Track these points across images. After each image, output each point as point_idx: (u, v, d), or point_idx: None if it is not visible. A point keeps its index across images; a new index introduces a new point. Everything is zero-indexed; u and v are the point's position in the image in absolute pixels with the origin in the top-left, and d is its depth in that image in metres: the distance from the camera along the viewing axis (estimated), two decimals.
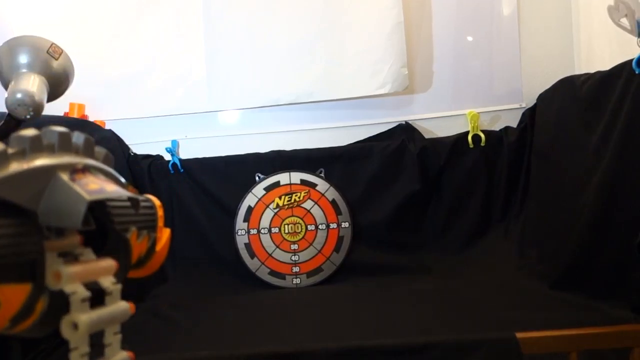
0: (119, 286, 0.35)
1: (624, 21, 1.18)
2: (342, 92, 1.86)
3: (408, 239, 1.81)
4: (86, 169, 0.35)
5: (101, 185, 0.34)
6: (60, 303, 0.31)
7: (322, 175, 1.83)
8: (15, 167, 0.30)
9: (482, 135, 1.80)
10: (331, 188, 1.82)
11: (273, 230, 1.82)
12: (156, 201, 0.45)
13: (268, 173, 1.84)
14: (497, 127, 1.85)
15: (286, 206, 1.83)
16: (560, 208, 1.46)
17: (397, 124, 1.90)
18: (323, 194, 1.82)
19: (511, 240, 1.71)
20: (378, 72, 1.82)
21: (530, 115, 1.77)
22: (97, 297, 0.33)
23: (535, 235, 1.61)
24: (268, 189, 1.83)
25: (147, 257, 0.43)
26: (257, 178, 1.84)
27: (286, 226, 1.82)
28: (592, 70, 1.43)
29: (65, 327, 0.31)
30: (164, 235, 0.45)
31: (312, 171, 1.84)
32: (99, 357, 0.34)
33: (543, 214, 1.60)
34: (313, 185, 1.83)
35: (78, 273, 0.32)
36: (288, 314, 1.45)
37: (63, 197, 0.31)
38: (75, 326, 0.31)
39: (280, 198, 1.83)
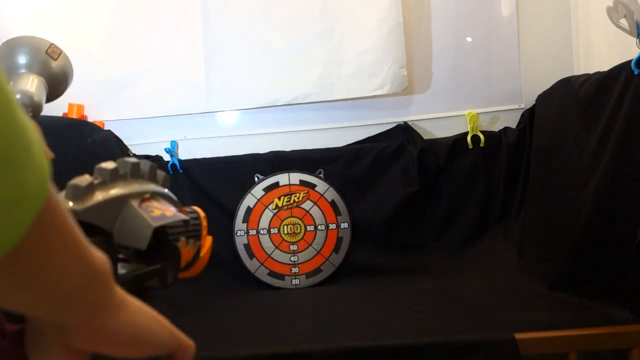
0: None
1: (623, 22, 1.18)
2: (341, 93, 1.86)
3: (407, 239, 1.81)
4: (152, 196, 0.42)
5: (163, 211, 0.41)
6: None
7: (321, 176, 1.83)
8: (98, 196, 0.37)
9: (481, 136, 1.80)
10: (330, 189, 1.82)
11: (272, 231, 1.82)
12: (201, 213, 0.54)
13: (267, 174, 1.84)
14: (496, 127, 1.85)
15: (285, 207, 1.82)
16: (559, 208, 1.46)
17: (396, 124, 1.90)
18: (322, 195, 1.82)
19: (510, 241, 1.71)
20: (377, 73, 1.82)
21: (529, 116, 1.77)
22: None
23: (534, 235, 1.61)
24: (267, 189, 1.83)
25: (193, 262, 0.50)
26: (256, 179, 1.84)
27: (285, 227, 1.82)
28: (591, 71, 1.43)
29: None
30: (207, 242, 0.54)
31: (311, 172, 1.84)
32: None
33: (542, 214, 1.60)
34: (312, 186, 1.83)
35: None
36: (287, 314, 1.45)
37: (133, 222, 0.38)
38: None
39: (279, 199, 1.83)
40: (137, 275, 0.41)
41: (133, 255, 0.42)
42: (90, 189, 0.37)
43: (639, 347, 1.06)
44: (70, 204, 0.35)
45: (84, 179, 0.37)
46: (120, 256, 0.42)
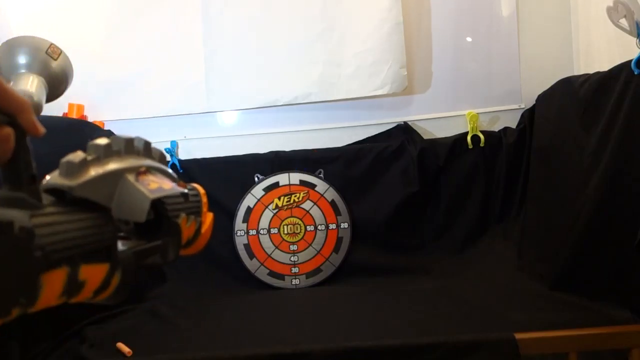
0: None
1: (623, 22, 1.18)
2: (341, 93, 1.86)
3: (407, 239, 1.81)
4: (147, 170, 0.42)
5: (160, 184, 0.41)
6: (129, 278, 0.39)
7: (321, 176, 1.83)
8: (93, 171, 0.37)
9: (481, 136, 1.80)
10: (330, 189, 1.82)
11: (272, 231, 1.82)
12: (201, 189, 0.53)
13: (267, 174, 1.84)
14: (496, 127, 1.85)
15: (285, 207, 1.83)
16: (559, 208, 1.46)
17: (396, 124, 1.90)
18: (322, 195, 1.82)
19: (510, 241, 1.71)
20: (377, 73, 1.82)
21: (529, 116, 1.77)
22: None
23: (534, 235, 1.61)
24: (267, 189, 1.83)
25: (195, 238, 0.51)
26: (256, 179, 1.84)
27: (285, 227, 1.82)
28: (591, 71, 1.43)
29: None
30: (208, 219, 0.53)
31: (311, 172, 1.84)
32: None
33: (542, 214, 1.60)
34: (312, 186, 1.83)
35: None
36: (287, 314, 1.45)
37: (130, 195, 0.38)
38: None
39: (279, 199, 1.83)
40: (137, 251, 0.41)
41: (133, 231, 0.43)
42: (84, 164, 0.36)
43: (639, 347, 1.06)
44: (65, 180, 0.35)
45: (77, 155, 0.37)
46: (121, 234, 0.42)
